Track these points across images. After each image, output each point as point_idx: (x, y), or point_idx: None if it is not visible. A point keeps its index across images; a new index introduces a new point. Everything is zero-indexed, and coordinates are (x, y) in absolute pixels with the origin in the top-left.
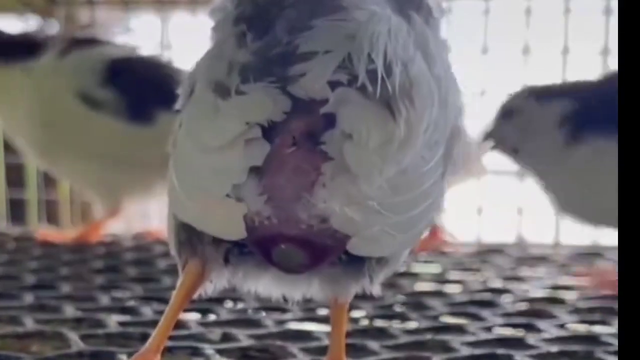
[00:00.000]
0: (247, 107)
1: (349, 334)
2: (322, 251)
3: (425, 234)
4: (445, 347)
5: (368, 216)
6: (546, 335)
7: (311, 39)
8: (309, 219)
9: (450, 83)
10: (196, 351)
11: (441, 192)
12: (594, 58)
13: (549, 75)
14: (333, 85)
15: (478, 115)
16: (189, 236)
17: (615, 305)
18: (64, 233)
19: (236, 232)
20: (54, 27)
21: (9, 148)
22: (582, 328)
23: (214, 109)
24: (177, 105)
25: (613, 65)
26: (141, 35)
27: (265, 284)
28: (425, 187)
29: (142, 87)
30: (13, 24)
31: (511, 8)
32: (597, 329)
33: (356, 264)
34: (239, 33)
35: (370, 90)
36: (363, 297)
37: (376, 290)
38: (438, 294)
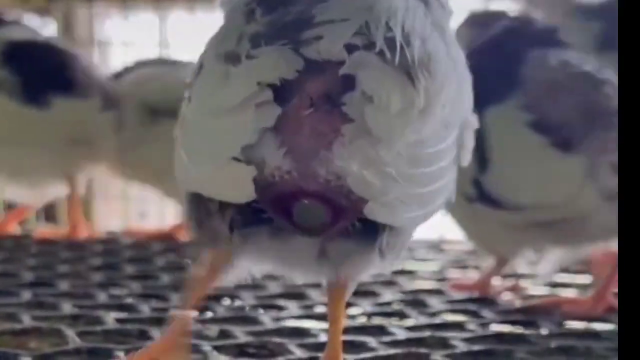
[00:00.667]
0: (258, 68)
1: (347, 331)
2: (341, 210)
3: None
4: (444, 344)
5: (385, 182)
6: (544, 332)
7: (327, 9)
8: (327, 174)
9: (465, 73)
10: (194, 348)
11: (454, 176)
12: None
13: None
14: (350, 49)
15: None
16: (203, 218)
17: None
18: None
19: (245, 194)
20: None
21: None
22: (581, 325)
23: (225, 75)
24: (185, 85)
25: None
26: (139, 33)
27: (278, 259)
28: (442, 164)
29: (39, 71)
30: None
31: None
32: (596, 326)
33: (368, 236)
34: (247, 10)
35: (389, 56)
36: (361, 295)
37: (385, 267)
38: (436, 291)
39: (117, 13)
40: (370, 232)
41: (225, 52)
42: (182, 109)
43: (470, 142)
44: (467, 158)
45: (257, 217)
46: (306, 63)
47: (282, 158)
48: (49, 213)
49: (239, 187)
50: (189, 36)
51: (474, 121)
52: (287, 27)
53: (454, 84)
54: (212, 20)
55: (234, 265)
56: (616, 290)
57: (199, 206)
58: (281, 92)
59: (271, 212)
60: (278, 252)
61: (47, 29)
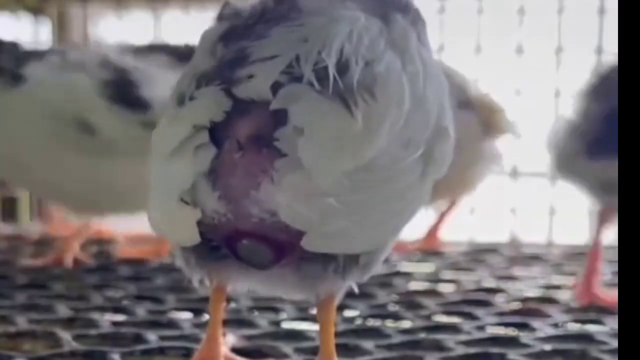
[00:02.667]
0: (193, 110)
1: (342, 334)
2: (282, 245)
3: (417, 233)
4: (439, 347)
5: (324, 213)
6: (540, 334)
7: (262, 46)
8: (260, 213)
9: (432, 83)
10: (189, 352)
11: (420, 193)
12: (587, 57)
13: (543, 74)
14: (278, 86)
15: None
16: (188, 255)
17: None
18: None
19: (191, 237)
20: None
21: None
22: (576, 327)
23: (173, 117)
24: None
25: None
26: (134, 33)
27: (252, 283)
28: (398, 186)
29: None
30: (6, 22)
31: (504, 7)
32: (591, 328)
33: (325, 261)
34: (212, 47)
35: (318, 86)
36: (356, 297)
37: (353, 287)
38: (432, 293)
39: (112, 12)
40: (325, 257)
41: (178, 93)
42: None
43: (444, 154)
44: (441, 170)
45: (217, 253)
46: (235, 103)
47: (217, 201)
48: (42, 213)
49: (185, 230)
50: (184, 35)
51: (447, 133)
52: (225, 66)
53: (408, 101)
54: (207, 19)
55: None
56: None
57: (188, 254)
58: (216, 134)
59: (223, 247)
60: (251, 280)
61: (40, 28)
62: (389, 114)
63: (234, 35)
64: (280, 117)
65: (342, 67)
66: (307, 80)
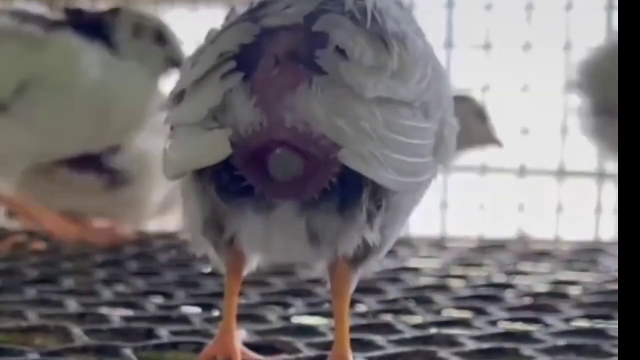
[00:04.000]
0: (219, 43)
1: (354, 329)
2: (314, 158)
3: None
4: (452, 342)
5: (359, 133)
6: (552, 330)
7: None
8: (294, 121)
9: (445, 75)
10: (200, 347)
11: (433, 165)
12: None
13: (551, 71)
14: (313, 16)
15: None
16: (207, 221)
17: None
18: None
19: (223, 151)
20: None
21: None
22: (587, 322)
23: (192, 65)
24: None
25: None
26: None
27: (271, 243)
28: (417, 142)
29: None
30: None
31: (512, 3)
32: (603, 323)
33: (351, 196)
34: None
35: (361, 20)
36: (366, 292)
37: (374, 239)
38: (442, 288)
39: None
40: (352, 192)
41: (195, 53)
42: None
43: (451, 143)
44: (448, 158)
45: (239, 190)
46: (264, 30)
47: (252, 110)
48: None
49: (217, 146)
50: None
51: (454, 124)
52: (249, 12)
53: (430, 70)
54: (215, 16)
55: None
56: None
57: (194, 207)
58: (245, 61)
59: (248, 172)
60: (267, 234)
61: None
62: (417, 65)
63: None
64: (317, 40)
65: (378, 13)
66: (348, 10)
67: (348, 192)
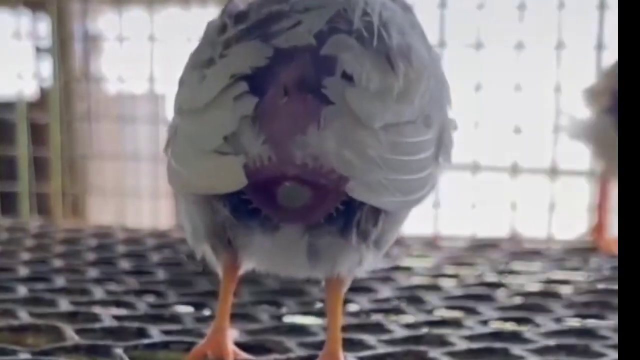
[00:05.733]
0: (230, 63)
1: (345, 328)
2: (322, 189)
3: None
4: (443, 341)
5: (366, 163)
6: (543, 329)
7: (301, 2)
8: (305, 157)
9: (445, 78)
10: (191, 346)
11: (436, 172)
12: (588, 53)
13: (543, 70)
14: (325, 33)
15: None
16: (210, 229)
17: (610, 299)
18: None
19: (237, 181)
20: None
21: None
22: (578, 322)
23: (201, 79)
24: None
25: (608, 60)
26: (132, 29)
27: (272, 258)
28: (421, 156)
29: None
30: (5, 17)
31: (505, 3)
32: (594, 322)
33: (352, 220)
34: (220, 25)
35: (368, 39)
36: (358, 291)
37: (377, 257)
38: (433, 288)
39: (111, 8)
40: (353, 216)
41: (200, 61)
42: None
43: (450, 143)
44: (449, 156)
45: (247, 211)
46: (276, 51)
47: (261, 145)
48: (41, 207)
49: (230, 175)
50: (184, 32)
51: (454, 122)
52: (257, 24)
53: (433, 78)
54: (207, 16)
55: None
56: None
57: (212, 226)
58: (256, 83)
59: (257, 200)
60: (270, 251)
61: (40, 24)
62: (422, 80)
63: (244, 14)
64: (325, 65)
65: (383, 28)
66: (357, 28)
67: (350, 216)
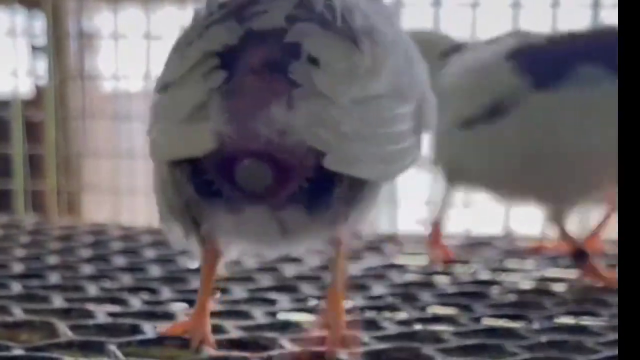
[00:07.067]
0: (205, 40)
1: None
2: (286, 167)
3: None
4: (436, 338)
5: (340, 136)
6: (536, 326)
7: None
8: (270, 134)
9: (414, 53)
10: (185, 343)
11: (413, 146)
12: None
13: None
14: (292, 19)
15: None
16: (175, 208)
17: (604, 296)
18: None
19: (207, 143)
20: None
21: None
22: (571, 319)
23: (179, 58)
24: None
25: None
26: (129, 27)
27: (245, 237)
28: (399, 128)
29: None
30: (1, 15)
31: (499, 1)
32: (587, 320)
33: (322, 196)
34: (206, 14)
35: (330, 22)
36: (352, 288)
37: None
38: (427, 285)
39: (106, 7)
40: (323, 190)
41: (183, 42)
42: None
43: (431, 116)
44: (430, 127)
45: (211, 190)
46: (248, 32)
47: (225, 122)
48: (36, 205)
49: (200, 139)
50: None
51: (431, 98)
52: (233, 9)
53: (402, 56)
54: None
55: (223, 253)
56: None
57: (163, 195)
58: (227, 60)
59: (218, 177)
60: (240, 231)
61: (35, 22)
62: (389, 58)
63: (226, 3)
64: (291, 50)
65: (346, 12)
66: (319, 13)
67: (322, 191)
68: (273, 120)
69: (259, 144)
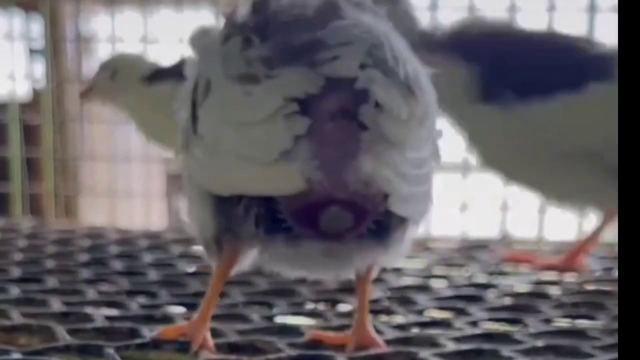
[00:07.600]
0: (283, 85)
1: (336, 330)
2: (365, 214)
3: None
4: (432, 342)
5: (400, 181)
6: (532, 330)
7: (334, 34)
8: (356, 183)
9: (429, 82)
10: (183, 346)
11: (432, 185)
12: None
13: None
14: (361, 67)
15: None
16: (222, 220)
17: (600, 300)
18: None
19: (297, 185)
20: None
21: None
22: (567, 323)
23: (244, 93)
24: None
25: None
26: (126, 30)
27: (290, 263)
28: (429, 168)
29: None
30: None
31: (495, 4)
32: (583, 323)
33: (379, 233)
34: (243, 38)
35: (392, 72)
36: (349, 292)
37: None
38: (424, 288)
39: (104, 9)
40: (381, 229)
41: (237, 74)
42: (182, 123)
43: (439, 153)
44: (438, 166)
45: (277, 225)
46: (326, 80)
47: (315, 169)
48: (33, 208)
49: (290, 180)
50: (176, 33)
51: (441, 132)
52: (299, 50)
53: (430, 94)
54: (199, 18)
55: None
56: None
57: (226, 217)
58: (304, 107)
59: (297, 220)
60: (290, 257)
61: (32, 24)
62: (431, 104)
63: (260, 29)
64: (361, 96)
65: (397, 61)
66: (390, 65)
67: (379, 229)
68: (359, 171)
69: (346, 193)
